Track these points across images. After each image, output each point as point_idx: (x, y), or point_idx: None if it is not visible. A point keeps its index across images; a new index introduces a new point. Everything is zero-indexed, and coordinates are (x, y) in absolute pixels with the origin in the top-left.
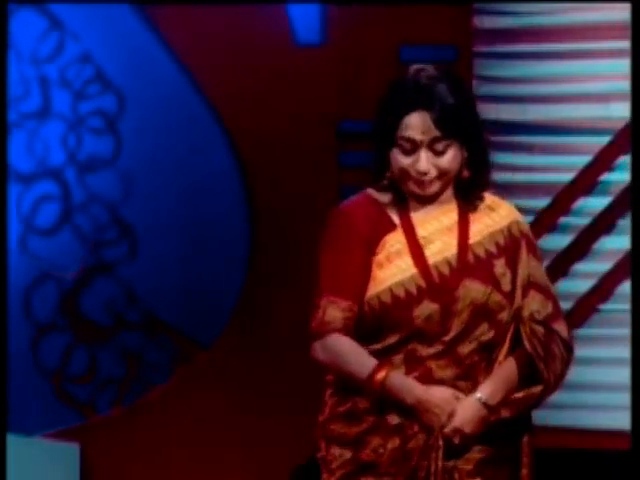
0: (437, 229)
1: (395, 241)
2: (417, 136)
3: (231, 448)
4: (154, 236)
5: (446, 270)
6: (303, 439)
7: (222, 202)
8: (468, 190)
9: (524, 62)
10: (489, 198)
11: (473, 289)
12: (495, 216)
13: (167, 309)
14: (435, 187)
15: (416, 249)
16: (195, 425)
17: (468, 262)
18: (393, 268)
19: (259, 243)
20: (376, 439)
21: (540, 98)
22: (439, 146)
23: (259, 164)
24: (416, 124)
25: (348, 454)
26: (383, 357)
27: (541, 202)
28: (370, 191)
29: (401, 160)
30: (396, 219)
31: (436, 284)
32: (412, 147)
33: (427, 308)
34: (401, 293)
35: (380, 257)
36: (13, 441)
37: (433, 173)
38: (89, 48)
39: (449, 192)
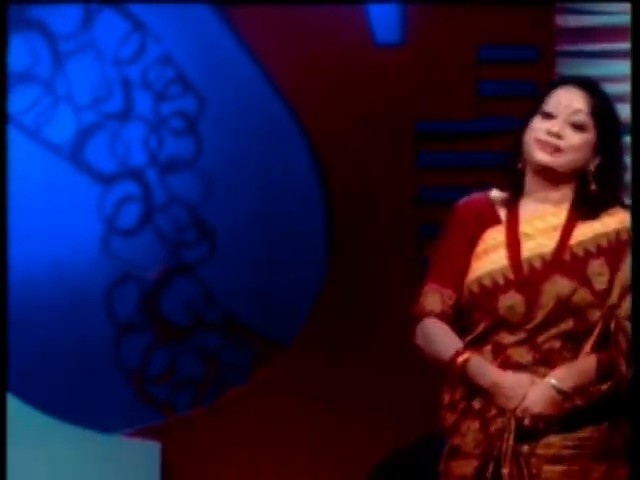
0: (541, 227)
1: (495, 235)
2: (563, 101)
3: (311, 448)
4: (233, 237)
5: (538, 264)
6: (382, 438)
7: (300, 202)
8: (593, 206)
9: (608, 61)
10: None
11: (559, 284)
12: (608, 220)
13: (246, 309)
14: (558, 160)
15: (513, 244)
16: (274, 425)
17: (563, 259)
18: (487, 260)
19: (337, 243)
20: (464, 424)
21: (626, 97)
22: (579, 120)
23: (337, 164)
24: (566, 93)
25: (449, 442)
26: (474, 347)
27: None
28: (490, 190)
29: (537, 125)
30: (503, 215)
31: (524, 277)
32: (554, 112)
33: (511, 299)
34: (488, 283)
35: (478, 249)
36: (96, 439)
37: (562, 142)
38: (170, 49)
39: (566, 193)
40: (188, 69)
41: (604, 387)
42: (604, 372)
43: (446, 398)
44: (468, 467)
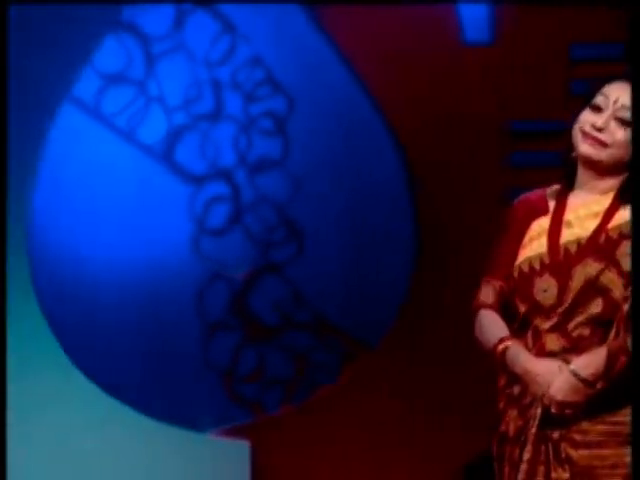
0: (584, 214)
1: (541, 224)
2: (612, 96)
3: (398, 448)
4: (321, 237)
5: (573, 249)
6: (471, 439)
7: (388, 202)
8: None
9: None
10: None
11: (589, 266)
12: None
13: (334, 309)
14: (601, 154)
15: (555, 231)
16: (363, 425)
17: (597, 243)
18: (529, 248)
19: (425, 243)
20: (507, 411)
21: None
22: (625, 116)
23: (425, 165)
24: (616, 88)
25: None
26: (519, 334)
27: None
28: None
29: (585, 117)
30: (552, 206)
31: (559, 261)
32: (603, 105)
33: (545, 282)
34: (526, 268)
35: (525, 239)
36: (186, 438)
37: (606, 136)
38: (260, 50)
39: (612, 183)
40: (278, 70)
41: (621, 370)
42: (620, 355)
43: (499, 383)
44: (516, 453)
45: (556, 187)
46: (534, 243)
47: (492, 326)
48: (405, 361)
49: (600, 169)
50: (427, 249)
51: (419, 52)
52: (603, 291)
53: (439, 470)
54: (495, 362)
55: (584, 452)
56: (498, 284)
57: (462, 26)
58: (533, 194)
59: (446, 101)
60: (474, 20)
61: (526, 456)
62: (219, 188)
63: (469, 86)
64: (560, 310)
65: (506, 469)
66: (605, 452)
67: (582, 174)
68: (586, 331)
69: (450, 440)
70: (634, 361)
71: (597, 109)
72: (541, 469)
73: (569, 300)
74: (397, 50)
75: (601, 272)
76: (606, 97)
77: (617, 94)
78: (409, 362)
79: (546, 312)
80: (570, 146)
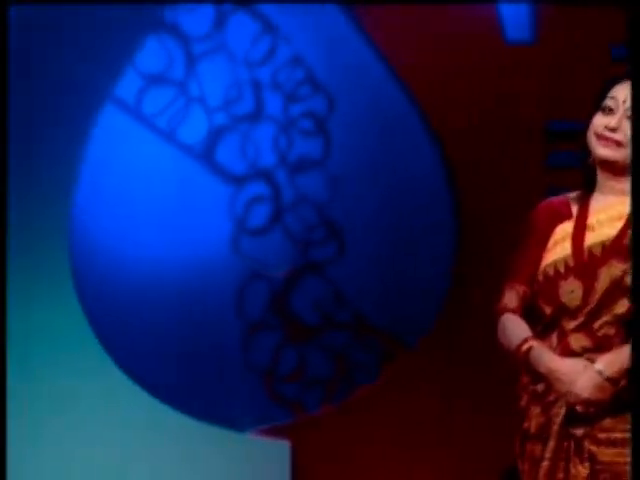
0: (607, 217)
1: (565, 228)
2: (621, 96)
3: (437, 448)
4: (361, 236)
5: (598, 251)
6: (510, 440)
7: (428, 202)
8: None
9: None
10: None
11: (614, 267)
12: None
13: (374, 309)
14: (616, 154)
15: (579, 234)
16: (402, 424)
17: (622, 245)
18: (553, 252)
19: (465, 243)
20: (530, 408)
21: None
22: None
23: (465, 163)
24: (623, 88)
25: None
26: (543, 336)
27: None
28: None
29: (597, 120)
30: (575, 210)
31: (584, 263)
32: (613, 107)
33: (571, 285)
34: (551, 272)
35: (549, 243)
36: (226, 438)
37: (621, 136)
38: (300, 50)
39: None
40: (318, 70)
41: None
42: None
43: (522, 380)
44: (537, 450)
45: (579, 192)
46: (558, 247)
47: (515, 328)
48: (444, 361)
49: (617, 170)
50: (466, 247)
51: (459, 51)
52: (628, 291)
53: (477, 470)
54: (518, 362)
55: (607, 449)
56: (522, 289)
57: (503, 25)
58: (556, 199)
59: (486, 100)
60: (516, 19)
61: (548, 453)
62: (259, 188)
63: (510, 85)
64: (586, 310)
65: (527, 466)
66: (628, 450)
67: (601, 177)
68: (611, 330)
69: (489, 440)
70: (634, 361)
71: (608, 111)
72: (561, 465)
73: (595, 301)
74: (437, 50)
75: (626, 273)
76: (615, 99)
77: (625, 94)
78: (448, 362)
79: (572, 313)
80: (587, 152)
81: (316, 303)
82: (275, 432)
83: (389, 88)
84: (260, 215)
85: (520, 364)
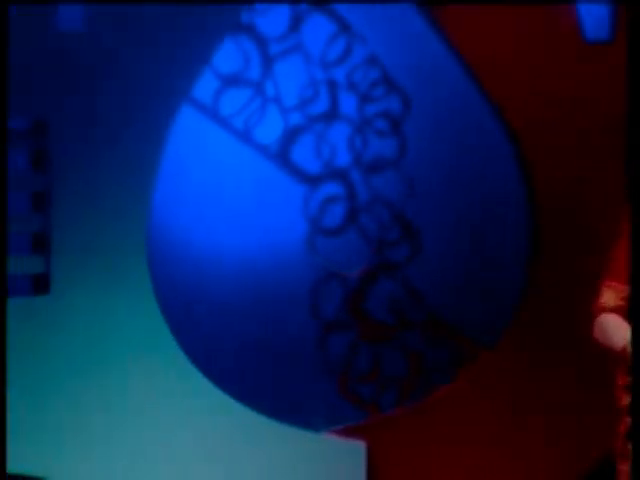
0: None
1: None
2: None
3: (516, 449)
4: (436, 236)
5: None
6: (590, 442)
7: (504, 201)
8: None
9: None
10: None
11: None
12: None
13: (450, 309)
14: None
15: None
16: (479, 425)
17: None
18: None
19: (542, 243)
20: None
21: None
22: None
23: (543, 162)
24: None
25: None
26: None
27: None
28: None
29: None
30: None
31: None
32: None
33: None
34: None
35: None
36: (301, 437)
37: None
38: (375, 50)
39: None
40: (393, 70)
41: None
42: None
43: (621, 380)
44: None
45: None
46: None
47: (617, 328)
48: (522, 361)
49: None
50: (544, 247)
51: (537, 51)
52: None
53: (556, 472)
54: (621, 363)
55: None
56: (620, 287)
57: (582, 24)
58: None
59: (565, 99)
60: (594, 18)
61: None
62: (334, 188)
63: (589, 84)
64: None
65: (625, 467)
66: None
67: None
68: None
69: (568, 442)
70: (634, 361)
71: None
72: None
73: None
74: (515, 50)
75: None
76: None
77: None
78: (526, 362)
79: None
80: None
81: (391, 303)
82: (350, 432)
83: (466, 89)
84: (335, 215)
85: (623, 365)
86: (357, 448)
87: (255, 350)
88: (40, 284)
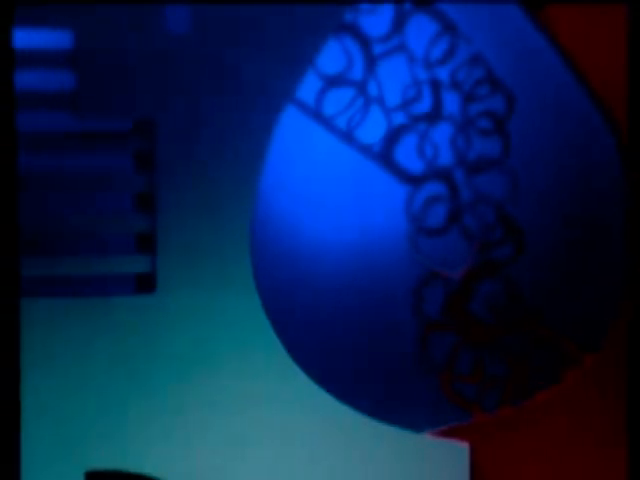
0: None
1: None
2: None
3: (619, 449)
4: (540, 236)
5: None
6: None
7: (609, 202)
8: None
9: None
10: None
11: None
12: None
13: (553, 310)
14: None
15: None
16: (584, 427)
17: None
18: None
19: None
20: None
21: None
22: None
23: None
24: None
25: None
26: None
27: None
28: None
29: None
30: None
31: None
32: None
33: None
34: None
35: None
36: (404, 437)
37: None
38: (479, 50)
39: None
40: (497, 69)
41: None
42: None
43: None
44: None
45: None
46: None
47: None
48: (627, 364)
49: None
50: None
51: None
52: None
53: None
54: None
55: None
56: None
57: None
58: None
59: None
60: None
61: None
62: (437, 188)
63: None
64: None
65: None
66: None
67: None
68: None
69: None
70: (632, 358)
71: None
72: None
73: None
74: (625, 50)
75: None
76: None
77: None
78: (631, 365)
79: None
80: None
81: (494, 303)
82: (453, 433)
83: (571, 89)
84: (438, 215)
85: None
86: (460, 449)
87: (357, 350)
88: (145, 283)
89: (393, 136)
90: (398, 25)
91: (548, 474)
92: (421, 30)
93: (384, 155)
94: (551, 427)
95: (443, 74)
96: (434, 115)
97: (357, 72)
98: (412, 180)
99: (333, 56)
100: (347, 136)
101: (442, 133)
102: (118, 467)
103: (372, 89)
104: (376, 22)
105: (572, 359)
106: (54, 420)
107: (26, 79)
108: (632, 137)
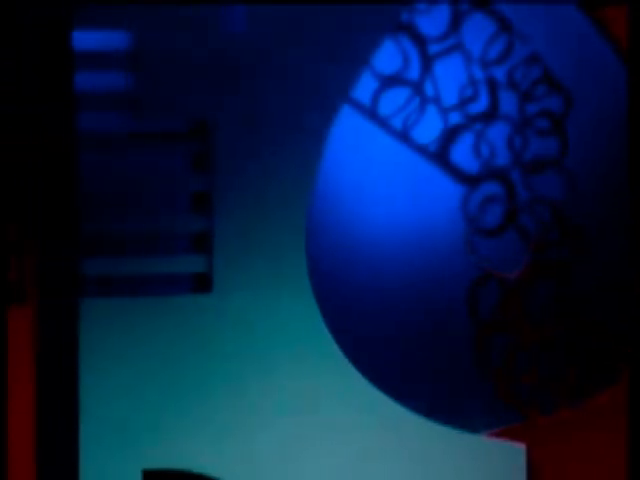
0: None
1: None
2: None
3: None
4: (598, 238)
5: None
6: None
7: None
8: None
9: None
10: None
11: None
12: None
13: (611, 312)
14: None
15: None
16: None
17: None
18: None
19: None
20: None
21: None
22: None
23: None
24: None
25: None
26: None
27: None
28: None
29: None
30: None
31: None
32: None
33: None
34: None
35: None
36: (461, 439)
37: None
38: (537, 49)
39: None
40: (555, 68)
41: None
42: None
43: None
44: None
45: None
46: None
47: None
48: None
49: None
50: None
51: None
52: None
53: None
54: None
55: None
56: None
57: None
58: None
59: None
60: None
61: None
62: (494, 188)
63: None
64: None
65: None
66: None
67: None
68: None
69: None
70: (634, 361)
71: None
72: None
73: None
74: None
75: None
76: None
77: None
78: None
79: None
80: None
81: (550, 304)
82: (510, 434)
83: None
84: (494, 215)
85: None
86: (517, 450)
87: (413, 350)
88: (202, 283)
89: (449, 136)
90: (454, 25)
91: (604, 474)
92: (477, 30)
93: (440, 155)
94: (608, 427)
95: (500, 74)
96: (491, 115)
97: (413, 72)
98: (468, 180)
99: (389, 56)
100: (403, 136)
101: (499, 133)
102: (175, 466)
103: (428, 89)
104: (432, 22)
105: (629, 361)
106: (112, 419)
107: (86, 80)
108: (632, 137)
